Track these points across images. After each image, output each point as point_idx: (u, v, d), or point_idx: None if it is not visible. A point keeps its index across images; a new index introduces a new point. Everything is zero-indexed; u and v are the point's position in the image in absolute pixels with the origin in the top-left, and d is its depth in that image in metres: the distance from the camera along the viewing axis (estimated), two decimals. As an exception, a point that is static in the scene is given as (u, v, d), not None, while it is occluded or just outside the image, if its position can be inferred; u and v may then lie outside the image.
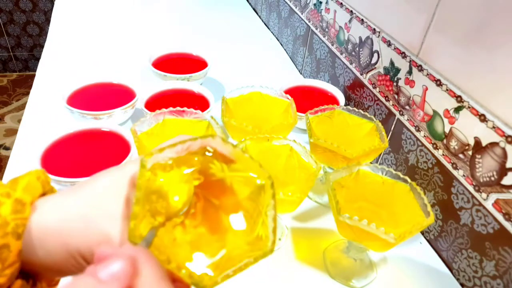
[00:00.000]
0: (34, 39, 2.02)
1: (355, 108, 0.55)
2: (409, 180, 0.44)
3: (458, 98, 0.46)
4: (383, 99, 0.61)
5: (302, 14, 0.89)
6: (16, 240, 0.23)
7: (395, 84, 0.58)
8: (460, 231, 0.48)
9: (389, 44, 0.59)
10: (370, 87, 0.65)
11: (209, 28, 1.05)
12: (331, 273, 0.47)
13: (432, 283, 0.48)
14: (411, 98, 0.55)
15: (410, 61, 0.54)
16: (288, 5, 0.96)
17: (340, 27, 0.72)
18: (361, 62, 0.67)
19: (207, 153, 0.29)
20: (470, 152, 0.45)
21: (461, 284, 0.49)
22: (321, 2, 0.79)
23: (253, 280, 0.45)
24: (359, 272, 0.47)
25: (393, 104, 0.59)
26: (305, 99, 0.70)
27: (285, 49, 1.00)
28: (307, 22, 0.87)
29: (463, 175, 0.47)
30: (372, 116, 0.54)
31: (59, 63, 0.82)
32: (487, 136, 0.43)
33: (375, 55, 0.62)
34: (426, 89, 0.52)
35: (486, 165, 0.43)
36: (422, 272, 0.49)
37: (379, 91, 0.62)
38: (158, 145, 0.27)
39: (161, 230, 0.25)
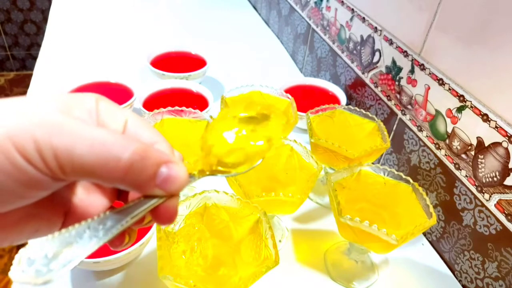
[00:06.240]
0: (32, 38, 2.01)
1: (356, 108, 0.55)
2: (411, 180, 0.43)
3: (461, 98, 0.46)
4: (385, 99, 0.61)
5: (302, 12, 0.88)
6: None
7: (397, 83, 0.57)
8: (463, 232, 0.47)
9: (391, 43, 0.58)
10: (372, 86, 0.64)
11: (208, 26, 1.05)
12: (332, 275, 0.46)
13: (434, 285, 0.48)
14: (413, 98, 0.54)
15: (412, 60, 0.54)
16: (289, 3, 0.95)
17: (341, 25, 0.72)
18: (362, 61, 0.66)
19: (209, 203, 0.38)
20: (472, 152, 0.45)
21: (463, 286, 0.48)
22: (322, 0, 0.79)
23: (253, 282, 0.44)
24: (361, 274, 0.47)
25: (395, 104, 0.58)
26: (306, 99, 0.70)
27: (285, 48, 0.99)
28: (307, 20, 0.86)
29: (466, 176, 0.46)
30: (374, 116, 0.53)
31: (57, 62, 0.81)
32: (489, 136, 0.42)
33: (377, 53, 0.62)
34: (429, 88, 0.51)
35: (489, 165, 0.43)
36: (424, 273, 0.49)
37: (381, 90, 0.62)
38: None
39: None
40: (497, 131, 0.41)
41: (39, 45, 2.00)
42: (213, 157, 0.22)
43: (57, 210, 0.20)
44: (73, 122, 0.17)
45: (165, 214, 0.20)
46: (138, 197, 0.19)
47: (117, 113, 0.20)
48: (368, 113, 0.54)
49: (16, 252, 0.19)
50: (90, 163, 0.17)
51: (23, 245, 0.21)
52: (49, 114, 0.17)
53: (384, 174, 0.45)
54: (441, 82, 0.49)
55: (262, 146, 0.23)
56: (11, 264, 0.17)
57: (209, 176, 0.22)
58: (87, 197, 0.20)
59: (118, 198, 0.22)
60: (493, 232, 0.43)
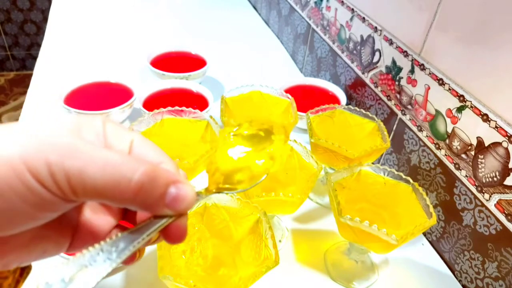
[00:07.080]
0: (32, 38, 2.01)
1: (356, 108, 0.55)
2: (411, 180, 0.43)
3: (461, 98, 0.46)
4: (385, 99, 0.61)
5: (302, 12, 0.88)
6: None
7: (397, 83, 0.57)
8: (463, 232, 0.47)
9: (391, 43, 0.58)
10: (372, 86, 0.64)
11: (208, 26, 1.05)
12: (332, 275, 0.46)
13: (434, 285, 0.48)
14: (413, 98, 0.54)
15: (412, 60, 0.54)
16: (289, 3, 0.95)
17: (341, 25, 0.72)
18: (362, 61, 0.66)
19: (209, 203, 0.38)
20: (472, 152, 0.45)
21: (463, 286, 0.48)
22: (322, 0, 0.79)
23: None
24: (361, 274, 0.47)
25: (395, 104, 0.58)
26: (306, 98, 0.70)
27: (285, 48, 0.99)
28: (307, 20, 0.86)
29: (466, 176, 0.46)
30: (374, 116, 0.53)
31: (57, 62, 0.81)
32: (489, 136, 0.42)
33: (377, 53, 0.62)
34: (429, 88, 0.51)
35: (489, 165, 0.43)
36: (424, 273, 0.49)
37: (381, 90, 0.62)
38: None
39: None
40: (497, 131, 0.41)
41: (39, 45, 2.00)
42: (219, 176, 0.23)
43: (65, 231, 0.20)
44: (84, 144, 0.17)
45: (176, 233, 0.20)
46: (147, 217, 0.20)
47: (123, 134, 0.20)
48: (368, 113, 0.54)
49: (20, 273, 0.19)
50: (101, 184, 0.17)
51: (27, 267, 0.21)
52: (62, 137, 0.17)
53: (384, 174, 0.45)
54: (441, 82, 0.49)
55: (267, 164, 0.24)
56: (15, 285, 0.17)
57: (216, 193, 0.23)
58: (94, 217, 0.20)
59: (124, 216, 0.22)
60: (493, 232, 0.43)
